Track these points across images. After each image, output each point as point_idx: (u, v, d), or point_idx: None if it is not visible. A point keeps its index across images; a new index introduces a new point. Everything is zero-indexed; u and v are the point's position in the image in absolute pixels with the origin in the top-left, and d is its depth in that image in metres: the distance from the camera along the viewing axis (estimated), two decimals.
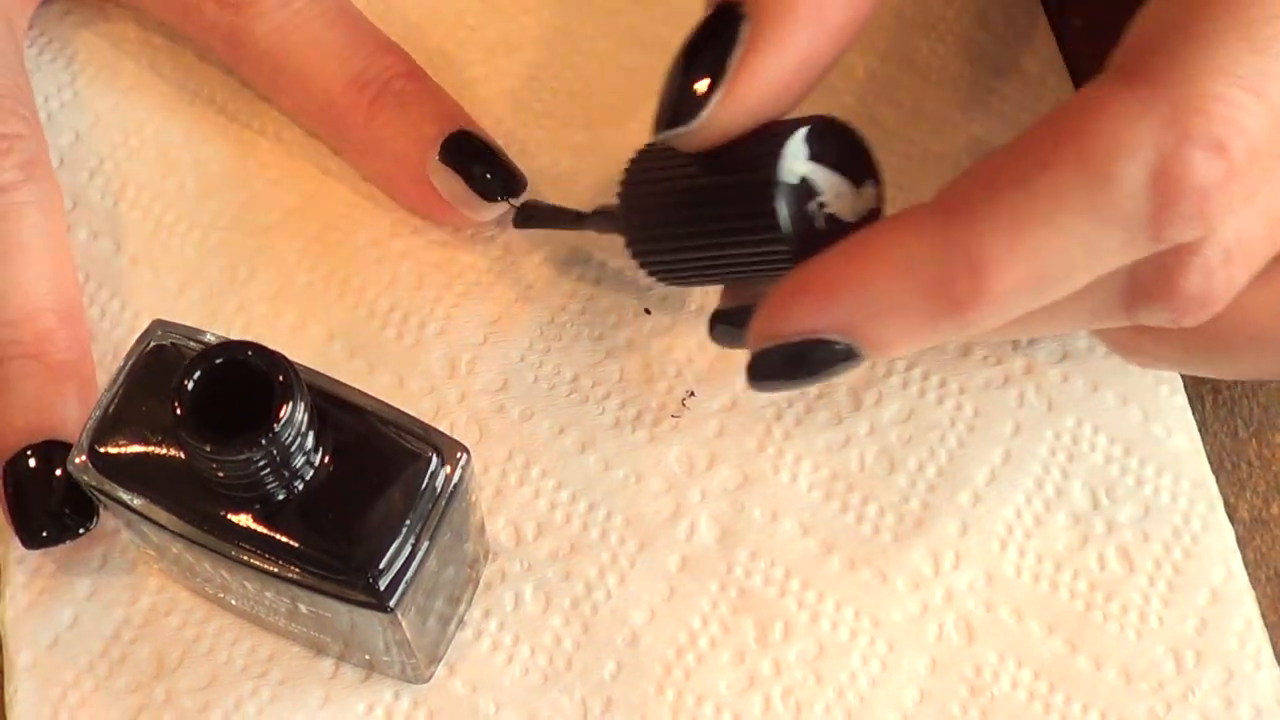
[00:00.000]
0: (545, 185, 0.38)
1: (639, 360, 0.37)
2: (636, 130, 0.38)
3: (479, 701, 0.33)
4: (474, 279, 0.38)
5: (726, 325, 0.32)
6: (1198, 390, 0.37)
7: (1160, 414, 0.36)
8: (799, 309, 0.29)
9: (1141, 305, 0.29)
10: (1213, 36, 0.26)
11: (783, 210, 0.29)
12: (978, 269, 0.27)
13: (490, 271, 0.38)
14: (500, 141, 0.38)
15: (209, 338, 0.29)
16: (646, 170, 0.32)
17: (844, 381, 0.37)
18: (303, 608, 0.30)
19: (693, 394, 0.37)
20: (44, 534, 0.33)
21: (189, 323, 0.30)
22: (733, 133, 0.30)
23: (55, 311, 0.35)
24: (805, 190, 0.29)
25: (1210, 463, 0.36)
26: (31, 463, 0.33)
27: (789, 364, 0.29)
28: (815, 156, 0.29)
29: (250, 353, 0.26)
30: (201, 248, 0.38)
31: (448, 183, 0.36)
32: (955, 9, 0.42)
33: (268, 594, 0.30)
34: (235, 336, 0.30)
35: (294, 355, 0.27)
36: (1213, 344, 0.31)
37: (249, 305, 0.37)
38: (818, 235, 0.29)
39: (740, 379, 0.37)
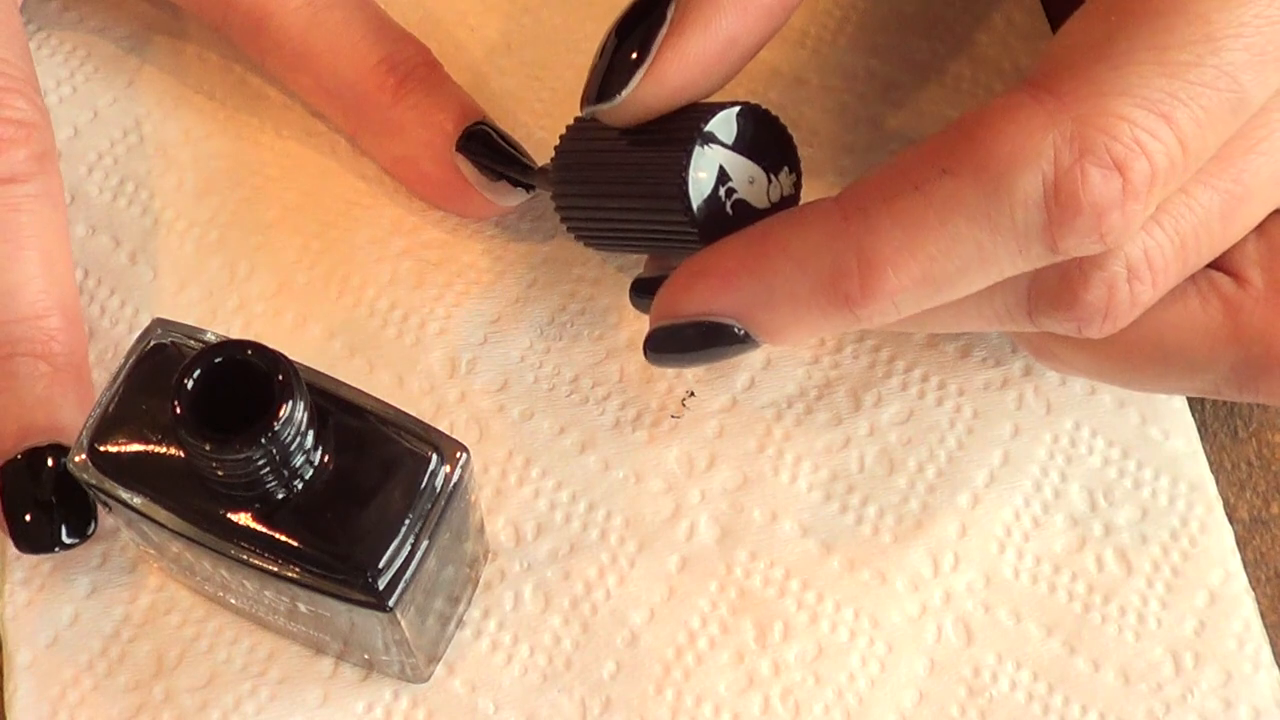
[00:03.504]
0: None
1: (639, 360, 0.37)
2: None
3: (478, 701, 0.33)
4: (474, 279, 0.38)
5: (642, 293, 0.33)
6: None
7: (1158, 417, 0.36)
8: (697, 291, 0.30)
9: (1044, 312, 0.29)
10: (1127, 58, 0.26)
11: (691, 192, 0.30)
12: (869, 268, 0.27)
13: (490, 271, 0.38)
14: None
15: (209, 336, 0.29)
16: (579, 137, 0.33)
17: (844, 383, 0.37)
18: (302, 607, 0.30)
19: (693, 394, 0.37)
20: (36, 540, 0.32)
21: (188, 320, 0.30)
22: (656, 111, 0.30)
23: (60, 311, 0.34)
24: (720, 174, 0.30)
25: (1210, 463, 0.36)
26: (29, 465, 0.32)
27: (684, 342, 0.30)
28: (735, 142, 0.30)
29: (250, 351, 0.26)
30: (201, 245, 0.38)
31: (472, 166, 0.36)
32: (955, 9, 0.42)
33: (267, 593, 0.30)
34: (235, 335, 0.30)
35: (293, 354, 0.27)
36: (1123, 357, 0.31)
37: (248, 303, 0.37)
38: (726, 219, 0.30)
39: (740, 379, 0.37)
